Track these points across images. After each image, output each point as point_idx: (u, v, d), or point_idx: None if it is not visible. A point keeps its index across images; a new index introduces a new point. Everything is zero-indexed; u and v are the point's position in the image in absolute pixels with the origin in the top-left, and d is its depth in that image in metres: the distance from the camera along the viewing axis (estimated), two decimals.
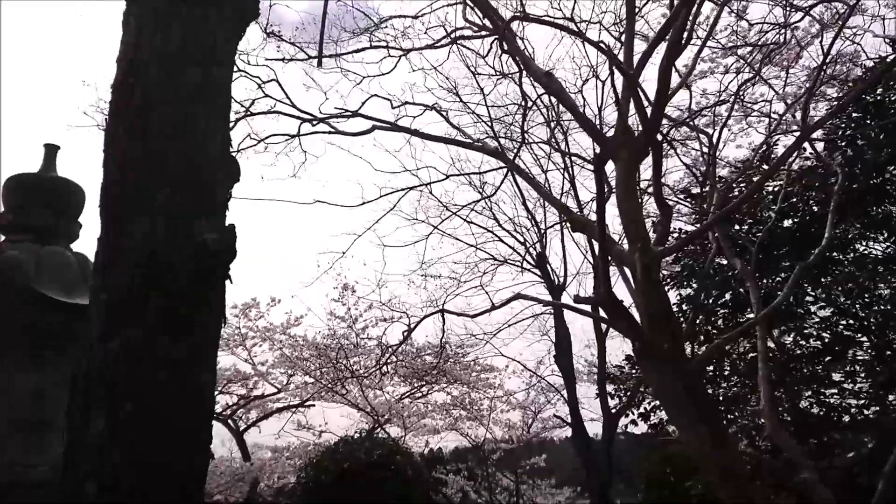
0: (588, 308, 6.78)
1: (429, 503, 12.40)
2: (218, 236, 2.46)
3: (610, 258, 5.65)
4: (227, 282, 2.66)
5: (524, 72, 6.74)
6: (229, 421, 19.34)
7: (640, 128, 5.22)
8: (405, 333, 8.33)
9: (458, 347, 16.46)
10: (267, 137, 8.14)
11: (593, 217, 8.00)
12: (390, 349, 8.97)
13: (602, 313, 6.85)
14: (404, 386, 19.15)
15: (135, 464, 2.27)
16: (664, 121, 7.64)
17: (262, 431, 20.22)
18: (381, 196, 8.18)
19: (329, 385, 16.77)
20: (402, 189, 8.26)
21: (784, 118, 10.36)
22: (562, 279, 14.28)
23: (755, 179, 5.63)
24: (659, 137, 5.97)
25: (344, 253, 9.05)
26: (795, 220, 11.29)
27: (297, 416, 20.11)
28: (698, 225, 12.15)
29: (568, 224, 12.29)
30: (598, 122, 11.77)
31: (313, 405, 19.16)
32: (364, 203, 8.11)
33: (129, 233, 2.47)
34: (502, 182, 9.45)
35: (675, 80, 7.53)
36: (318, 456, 12.67)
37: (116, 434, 2.27)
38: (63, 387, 3.01)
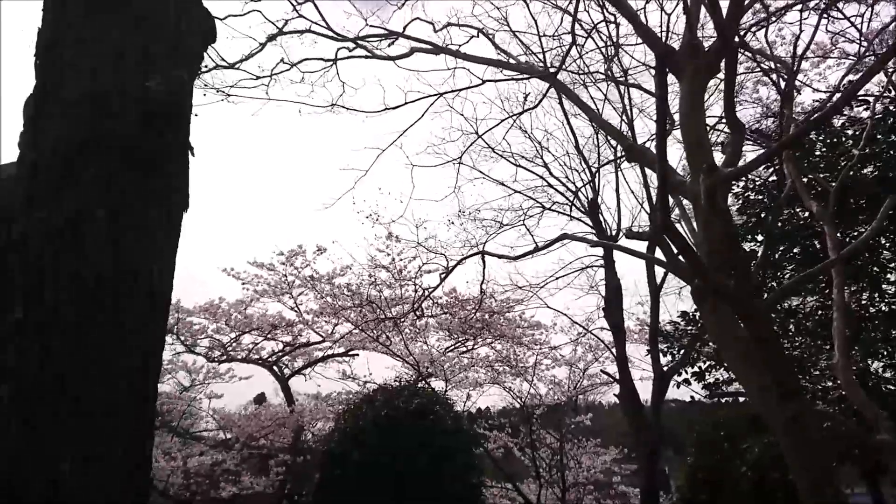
0: (643, 247, 6.13)
1: (470, 455, 12.08)
2: (163, 85, 1.95)
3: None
4: (190, 154, 2.17)
5: None
6: (274, 367, 19.44)
7: (712, 27, 4.48)
8: (442, 276, 7.84)
9: (502, 301, 15.94)
10: (301, 62, 7.63)
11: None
12: (426, 291, 8.51)
13: (658, 253, 6.18)
14: (448, 340, 18.85)
15: (53, 377, 1.81)
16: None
17: (308, 380, 20.35)
18: (405, 103, 7.52)
19: (372, 335, 16.54)
20: (432, 95, 7.60)
21: (866, 57, 9.32)
22: (614, 229, 13.47)
23: (838, 97, 4.85)
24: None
25: (367, 171, 8.51)
26: (878, 165, 10.25)
27: (343, 366, 20.15)
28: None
29: (623, 156, 11.45)
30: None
31: (357, 355, 19.06)
32: (386, 109, 7.49)
33: (68, 79, 1.99)
34: (544, 96, 8.64)
35: None
36: (356, 403, 12.46)
37: (30, 332, 1.82)
38: None
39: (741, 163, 5.11)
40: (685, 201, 6.53)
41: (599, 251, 13.55)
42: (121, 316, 1.90)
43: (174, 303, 17.88)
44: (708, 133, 5.90)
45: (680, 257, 4.62)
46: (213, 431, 20.71)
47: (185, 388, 19.84)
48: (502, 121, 9.45)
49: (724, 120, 11.44)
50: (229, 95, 7.32)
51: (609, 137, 11.80)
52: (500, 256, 7.53)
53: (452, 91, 7.48)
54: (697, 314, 12.33)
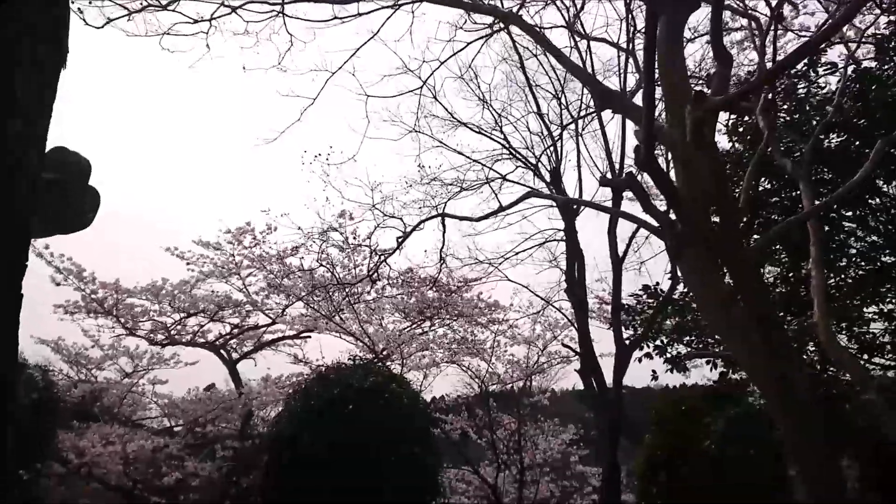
0: (612, 201, 5.73)
1: (427, 436, 11.62)
2: None
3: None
4: None
5: None
6: (222, 351, 18.60)
7: None
8: (399, 240, 7.33)
9: (459, 278, 15.51)
10: (243, 4, 6.97)
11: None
12: (382, 256, 7.98)
13: (631, 198, 5.77)
14: (405, 322, 18.30)
15: None
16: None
17: (258, 365, 19.54)
18: (358, 15, 6.90)
19: (325, 314, 15.89)
20: (388, 6, 6.94)
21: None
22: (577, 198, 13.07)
23: (820, 31, 4.53)
24: None
25: (315, 99, 7.95)
26: (841, 136, 10.15)
27: (294, 349, 19.40)
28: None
29: (586, 114, 11.08)
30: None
31: (309, 337, 18.37)
32: (335, 18, 6.89)
33: None
34: (502, 29, 8.17)
35: None
36: (307, 382, 11.85)
37: None
38: None
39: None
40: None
41: (561, 224, 13.22)
42: None
43: (112, 282, 16.85)
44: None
45: (660, 202, 4.22)
46: (157, 418, 19.78)
47: (127, 375, 18.82)
48: (467, 45, 8.72)
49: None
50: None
51: (577, 87, 11.40)
52: (461, 218, 7.10)
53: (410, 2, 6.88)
54: (659, 287, 12.12)
